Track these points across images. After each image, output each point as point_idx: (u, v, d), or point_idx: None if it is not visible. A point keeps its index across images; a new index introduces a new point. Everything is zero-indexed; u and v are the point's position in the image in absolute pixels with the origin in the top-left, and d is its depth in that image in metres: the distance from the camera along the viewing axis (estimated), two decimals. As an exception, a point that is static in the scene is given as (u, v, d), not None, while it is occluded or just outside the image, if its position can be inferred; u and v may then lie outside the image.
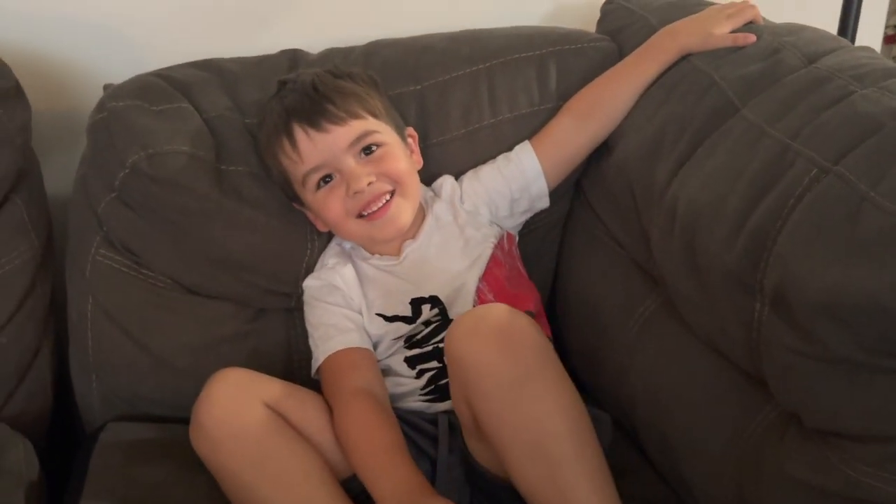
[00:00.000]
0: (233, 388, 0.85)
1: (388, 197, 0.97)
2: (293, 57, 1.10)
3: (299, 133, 0.95)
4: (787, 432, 0.77)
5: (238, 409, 0.84)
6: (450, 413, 0.92)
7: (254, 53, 1.11)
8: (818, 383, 0.72)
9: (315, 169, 0.96)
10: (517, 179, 1.04)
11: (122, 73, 1.06)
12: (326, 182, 0.96)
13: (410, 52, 1.10)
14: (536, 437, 0.76)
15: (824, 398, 0.72)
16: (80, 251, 1.01)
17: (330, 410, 0.90)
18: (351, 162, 0.95)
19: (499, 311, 0.79)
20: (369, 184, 0.95)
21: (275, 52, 1.11)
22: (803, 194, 0.74)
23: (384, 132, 0.98)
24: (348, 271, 1.00)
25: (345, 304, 0.99)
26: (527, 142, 1.06)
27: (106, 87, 1.05)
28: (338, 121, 0.95)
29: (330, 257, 1.02)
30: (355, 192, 0.95)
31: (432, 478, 0.88)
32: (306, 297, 1.01)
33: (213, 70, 1.07)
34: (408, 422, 0.91)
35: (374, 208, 0.96)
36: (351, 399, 0.90)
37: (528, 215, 1.08)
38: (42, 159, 1.07)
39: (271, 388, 0.87)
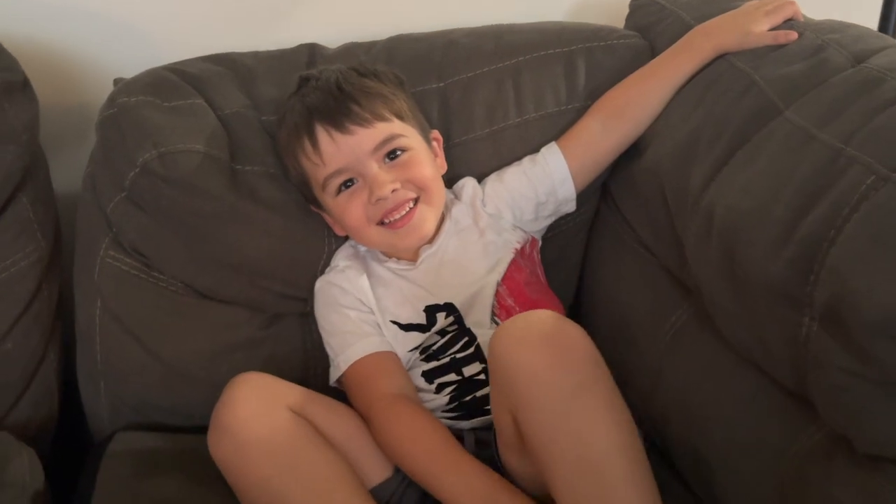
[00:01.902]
0: (257, 391, 0.81)
1: (411, 204, 0.93)
2: (311, 51, 1.06)
3: (322, 134, 0.91)
4: (835, 456, 0.73)
5: (265, 411, 0.80)
6: (477, 430, 0.88)
7: (270, 47, 1.07)
8: (873, 407, 0.67)
9: (337, 172, 0.92)
10: (544, 182, 1.00)
11: (132, 66, 1.03)
12: (347, 186, 0.92)
13: (434, 48, 1.06)
14: (588, 454, 0.71)
15: (879, 424, 0.67)
16: (88, 253, 0.97)
17: (356, 418, 0.87)
18: (374, 167, 0.91)
19: (547, 317, 0.75)
20: (393, 191, 0.91)
21: (292, 47, 1.07)
22: (859, 203, 0.69)
23: (410, 136, 0.94)
24: (359, 276, 0.96)
25: (358, 307, 0.95)
26: (553, 143, 1.02)
27: (116, 82, 1.01)
28: (363, 122, 0.91)
29: (341, 259, 0.99)
30: (378, 199, 0.91)
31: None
32: (317, 301, 0.98)
33: (228, 64, 1.03)
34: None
35: (397, 216, 0.93)
36: (391, 406, 0.86)
37: (553, 219, 1.04)
38: (48, 156, 1.03)
39: (295, 393, 0.84)
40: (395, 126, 0.93)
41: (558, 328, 0.74)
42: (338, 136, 0.91)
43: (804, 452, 0.76)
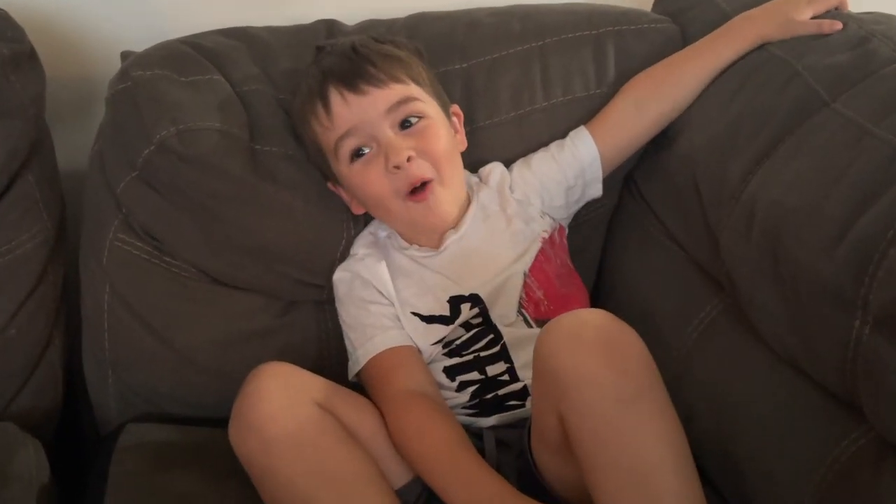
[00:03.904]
0: (283, 383, 0.77)
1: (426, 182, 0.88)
2: (330, 28, 1.02)
3: (334, 96, 0.87)
4: (885, 463, 0.71)
5: (292, 407, 0.75)
6: (497, 429, 0.85)
7: (284, 23, 1.03)
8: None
9: (348, 133, 0.87)
10: (572, 165, 0.96)
11: (140, 39, 0.97)
12: (360, 154, 0.88)
13: (456, 27, 1.02)
14: (638, 465, 0.68)
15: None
16: (96, 236, 0.92)
17: (380, 414, 0.83)
18: (389, 132, 0.87)
19: (603, 317, 0.71)
20: (409, 159, 0.87)
21: (310, 22, 1.02)
22: (922, 204, 0.67)
23: (427, 103, 0.90)
24: (378, 264, 0.92)
25: (378, 300, 0.91)
26: (582, 127, 0.98)
27: (124, 55, 0.96)
28: (377, 83, 0.87)
29: (361, 247, 0.95)
30: (394, 167, 0.86)
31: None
32: (337, 293, 0.94)
33: (245, 39, 0.98)
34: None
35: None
36: (404, 403, 0.83)
37: (580, 205, 1.01)
38: (51, 131, 0.98)
39: (321, 386, 0.80)
40: (412, 89, 0.89)
41: (614, 330, 0.70)
42: (350, 96, 0.86)
43: (847, 458, 0.74)
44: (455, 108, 0.96)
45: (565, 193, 0.97)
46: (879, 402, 0.70)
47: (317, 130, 0.89)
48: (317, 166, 0.93)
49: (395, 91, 0.87)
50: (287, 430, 0.74)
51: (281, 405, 0.75)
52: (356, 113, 0.87)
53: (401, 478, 0.81)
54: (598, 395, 0.68)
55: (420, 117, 0.88)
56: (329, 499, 0.75)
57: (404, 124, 0.88)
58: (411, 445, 0.80)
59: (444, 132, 0.90)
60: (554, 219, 0.98)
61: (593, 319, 0.71)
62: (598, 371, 0.68)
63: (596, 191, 0.99)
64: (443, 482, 0.78)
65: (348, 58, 0.88)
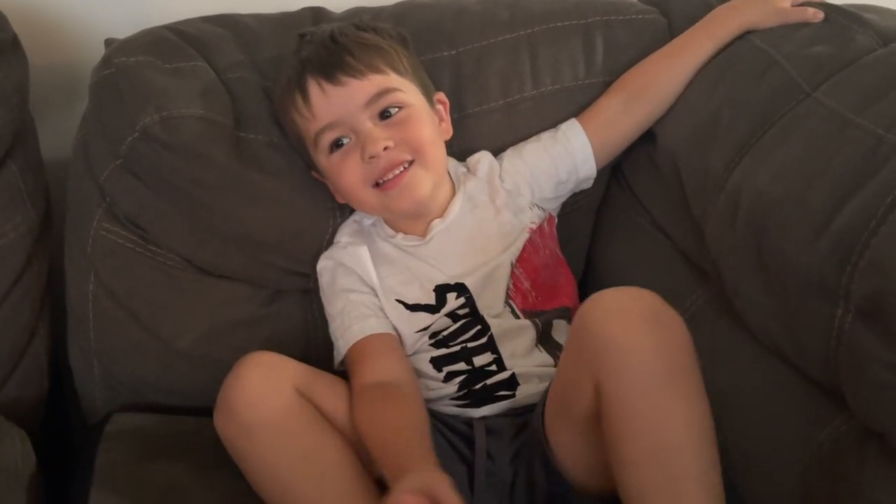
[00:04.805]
0: (265, 370, 0.78)
1: (405, 166, 0.88)
2: (316, 15, 1.01)
3: (313, 87, 0.87)
4: (866, 451, 0.71)
5: (271, 393, 0.77)
6: (487, 419, 0.85)
7: (271, 10, 1.02)
8: (915, 403, 0.66)
9: (328, 127, 0.87)
10: (566, 160, 0.96)
11: (123, 26, 0.97)
12: (340, 145, 0.88)
13: (444, 15, 1.01)
14: (664, 442, 0.68)
15: (921, 420, 0.66)
16: (80, 225, 0.92)
17: None
18: (368, 123, 0.87)
19: (650, 295, 0.71)
20: (385, 149, 0.86)
21: (296, 10, 1.02)
22: (904, 194, 0.67)
23: (408, 92, 0.89)
24: (361, 251, 0.92)
25: (360, 288, 0.91)
26: (574, 120, 0.98)
27: (108, 42, 0.96)
28: (355, 73, 0.86)
29: (344, 235, 0.95)
30: (370, 157, 0.86)
31: (469, 481, 0.82)
32: (321, 283, 0.94)
33: (230, 26, 0.97)
34: (441, 422, 0.85)
35: (389, 176, 0.87)
36: (363, 394, 0.84)
37: (568, 196, 1.01)
38: (34, 120, 0.97)
39: (303, 373, 0.81)
40: (392, 79, 0.88)
41: (661, 307, 0.71)
42: (329, 87, 0.86)
43: (830, 445, 0.75)
44: (440, 95, 0.96)
45: (555, 187, 0.97)
46: (861, 391, 0.70)
47: (297, 121, 0.89)
48: (299, 155, 0.93)
49: (374, 82, 0.87)
50: (265, 416, 0.76)
51: (261, 392, 0.76)
52: (335, 105, 0.86)
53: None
54: (641, 367, 0.68)
55: (400, 107, 0.88)
56: (306, 483, 0.76)
57: (384, 115, 0.88)
58: (364, 435, 0.81)
59: (426, 120, 0.90)
60: (543, 209, 0.98)
61: (643, 295, 0.72)
62: (645, 343, 0.68)
63: (587, 185, 1.00)
64: (385, 469, 0.77)
65: (326, 47, 0.88)
